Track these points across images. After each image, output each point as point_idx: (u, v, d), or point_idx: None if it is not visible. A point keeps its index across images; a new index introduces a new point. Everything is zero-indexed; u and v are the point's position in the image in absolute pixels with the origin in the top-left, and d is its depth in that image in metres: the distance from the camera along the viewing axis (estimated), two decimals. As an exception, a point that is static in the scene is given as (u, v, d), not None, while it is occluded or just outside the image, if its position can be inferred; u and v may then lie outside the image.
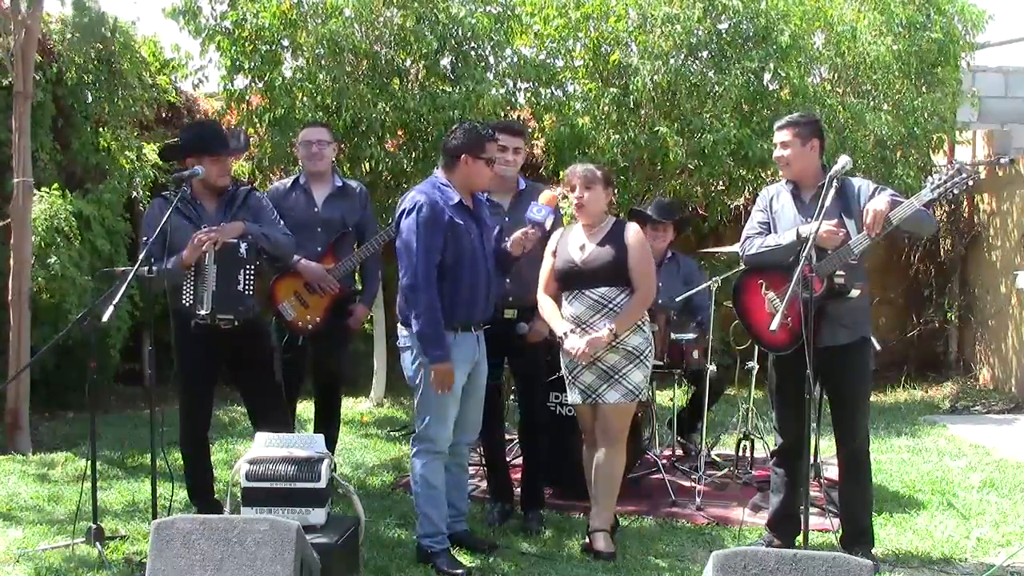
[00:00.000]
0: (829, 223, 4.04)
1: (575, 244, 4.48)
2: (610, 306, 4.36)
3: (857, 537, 4.26)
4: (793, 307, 3.91)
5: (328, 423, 5.35)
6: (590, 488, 4.63)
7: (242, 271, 4.49)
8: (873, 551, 4.27)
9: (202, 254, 4.43)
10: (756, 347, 5.69)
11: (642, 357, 4.40)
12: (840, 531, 4.37)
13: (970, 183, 4.06)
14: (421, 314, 4.12)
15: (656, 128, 7.29)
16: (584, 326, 4.38)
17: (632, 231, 4.46)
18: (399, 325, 4.34)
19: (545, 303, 4.55)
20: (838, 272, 4.07)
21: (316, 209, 5.23)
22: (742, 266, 4.53)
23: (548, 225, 4.41)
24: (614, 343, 4.34)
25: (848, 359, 4.22)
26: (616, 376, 4.36)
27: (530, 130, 8.46)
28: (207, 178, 4.57)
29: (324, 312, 5.12)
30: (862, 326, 4.27)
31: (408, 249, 4.15)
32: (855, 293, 4.08)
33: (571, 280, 4.43)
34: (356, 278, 5.55)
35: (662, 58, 7.35)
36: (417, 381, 4.27)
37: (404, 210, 4.21)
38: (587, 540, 4.51)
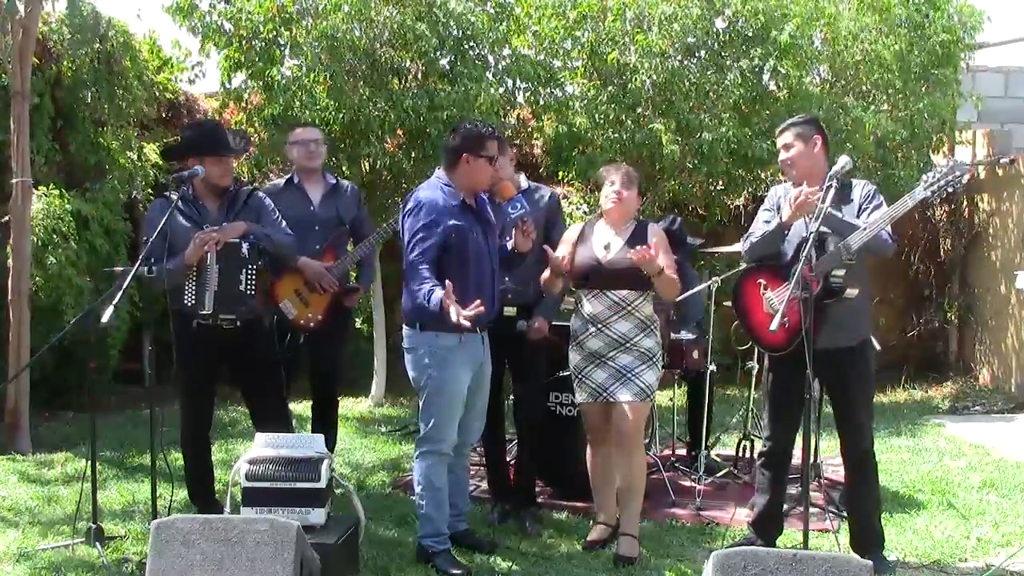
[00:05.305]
0: (808, 189, 4.00)
1: (600, 242, 4.49)
2: (628, 308, 4.37)
3: (868, 538, 4.23)
4: (792, 307, 3.89)
5: (325, 424, 5.34)
6: (593, 488, 4.63)
7: (244, 271, 4.49)
8: (884, 553, 4.23)
9: (204, 254, 4.43)
10: (756, 347, 5.72)
11: (655, 359, 4.42)
12: (849, 533, 4.33)
13: (964, 180, 4.00)
14: (420, 288, 4.07)
15: (651, 125, 7.28)
16: (601, 325, 4.39)
17: (654, 233, 4.48)
18: (403, 326, 4.33)
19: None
20: (834, 272, 4.02)
21: (312, 207, 5.23)
22: (742, 266, 4.53)
23: (527, 211, 4.52)
24: (628, 344, 4.36)
25: (849, 362, 4.16)
26: (628, 375, 4.36)
27: (529, 129, 8.48)
28: (209, 178, 4.56)
29: (325, 310, 5.11)
30: (862, 328, 4.22)
31: (409, 245, 4.15)
32: (852, 293, 4.01)
33: (593, 279, 4.43)
34: (351, 277, 5.53)
35: (659, 56, 7.34)
36: (422, 383, 4.24)
37: (407, 210, 4.22)
38: (588, 539, 4.53)
